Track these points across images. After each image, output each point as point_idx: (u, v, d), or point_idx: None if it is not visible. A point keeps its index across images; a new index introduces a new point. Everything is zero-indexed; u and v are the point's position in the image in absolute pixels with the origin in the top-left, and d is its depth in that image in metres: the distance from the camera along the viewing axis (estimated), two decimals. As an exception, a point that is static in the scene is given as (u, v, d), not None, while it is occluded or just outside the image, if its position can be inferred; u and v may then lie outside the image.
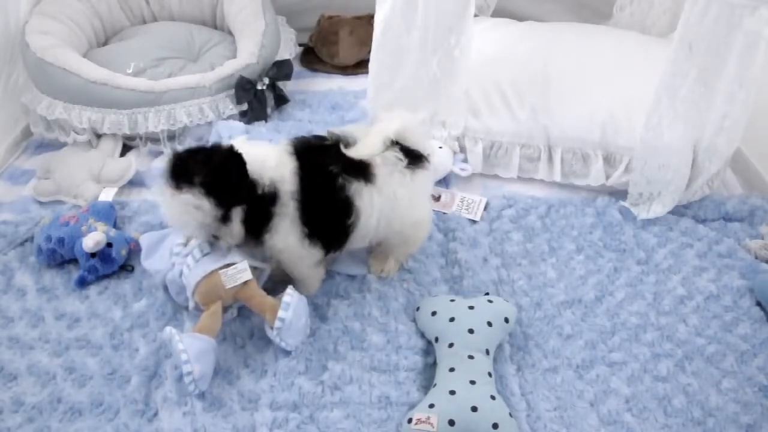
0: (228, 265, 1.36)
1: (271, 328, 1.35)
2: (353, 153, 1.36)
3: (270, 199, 1.30)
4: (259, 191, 1.29)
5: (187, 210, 1.26)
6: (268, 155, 1.33)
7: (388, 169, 1.38)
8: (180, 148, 1.90)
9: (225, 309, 1.40)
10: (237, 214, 1.29)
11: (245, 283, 1.36)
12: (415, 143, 1.41)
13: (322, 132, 1.96)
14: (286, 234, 1.34)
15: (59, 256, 1.59)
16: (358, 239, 1.42)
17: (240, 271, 1.36)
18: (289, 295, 1.35)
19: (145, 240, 1.58)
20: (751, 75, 1.53)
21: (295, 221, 1.33)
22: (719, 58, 1.53)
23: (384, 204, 1.38)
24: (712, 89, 1.58)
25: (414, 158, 1.41)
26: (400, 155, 1.39)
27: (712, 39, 1.50)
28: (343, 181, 1.34)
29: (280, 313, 1.33)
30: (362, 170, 1.36)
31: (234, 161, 1.27)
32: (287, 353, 1.37)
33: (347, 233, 1.39)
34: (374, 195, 1.37)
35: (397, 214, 1.41)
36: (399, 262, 1.56)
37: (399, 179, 1.39)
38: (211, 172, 1.25)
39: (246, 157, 1.28)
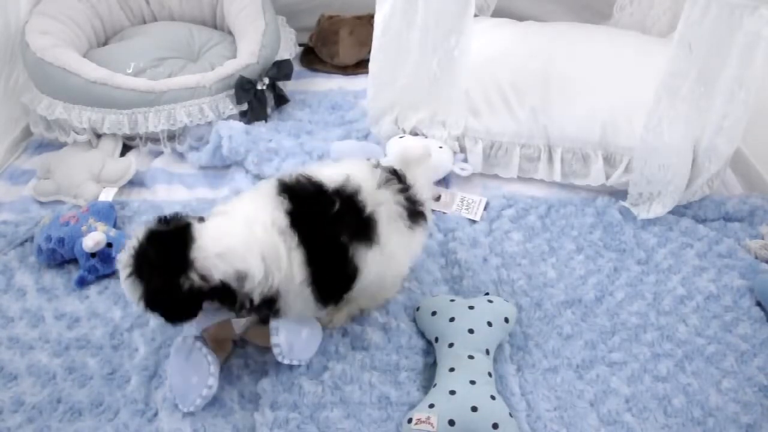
0: None
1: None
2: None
3: (267, 302, 1.21)
4: (258, 299, 1.19)
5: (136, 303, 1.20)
6: (269, 247, 1.20)
7: (392, 227, 1.31)
8: (179, 147, 1.92)
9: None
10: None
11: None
12: (418, 183, 1.36)
13: (322, 132, 1.99)
14: (297, 313, 1.29)
15: (59, 256, 1.60)
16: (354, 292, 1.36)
17: (248, 323, 1.36)
18: (277, 321, 1.32)
19: None
20: (751, 75, 1.53)
21: (307, 294, 1.26)
22: (719, 58, 1.53)
23: (381, 263, 1.31)
24: (712, 89, 1.58)
25: (415, 214, 1.35)
26: (403, 208, 1.32)
27: (712, 39, 1.50)
28: (351, 247, 1.26)
29: (273, 340, 1.31)
30: (367, 230, 1.27)
31: (191, 302, 1.16)
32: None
33: (350, 289, 1.32)
34: (377, 256, 1.29)
35: (387, 272, 1.36)
36: (350, 314, 1.44)
37: (398, 239, 1.32)
38: (161, 304, 1.16)
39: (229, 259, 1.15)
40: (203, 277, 1.13)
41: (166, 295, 1.14)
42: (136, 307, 1.17)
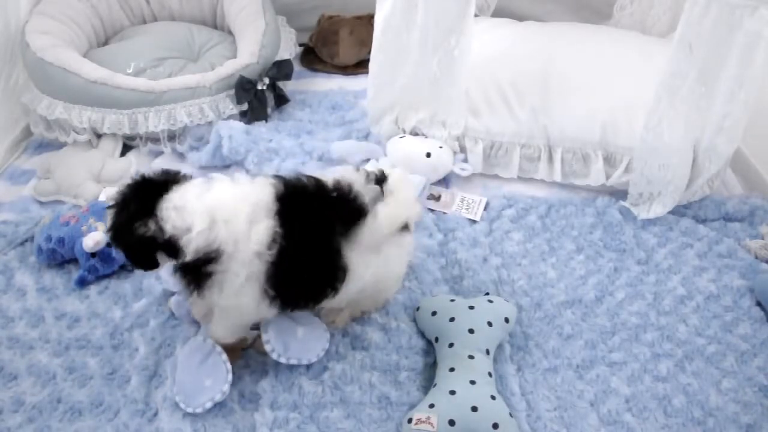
0: None
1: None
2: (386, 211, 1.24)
3: (204, 260, 1.16)
4: (190, 257, 1.15)
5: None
6: (229, 205, 1.18)
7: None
8: (180, 147, 1.92)
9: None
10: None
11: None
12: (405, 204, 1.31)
13: (322, 132, 1.99)
14: (237, 293, 1.20)
15: (59, 255, 1.59)
16: (336, 301, 1.30)
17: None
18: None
19: None
20: (751, 75, 1.53)
21: (256, 282, 1.20)
22: (719, 58, 1.53)
23: (379, 267, 1.29)
24: (713, 89, 1.58)
25: None
26: None
27: (713, 39, 1.50)
28: (339, 238, 1.21)
29: (263, 336, 1.31)
30: (360, 224, 1.23)
31: (140, 245, 1.17)
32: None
33: (326, 296, 1.26)
34: (372, 257, 1.26)
35: (387, 276, 1.34)
36: (351, 316, 1.43)
37: (392, 237, 1.29)
38: (121, 244, 1.19)
39: (190, 204, 1.15)
40: (159, 228, 1.14)
41: (124, 235, 1.18)
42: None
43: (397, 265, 1.37)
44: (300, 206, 1.21)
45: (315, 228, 1.21)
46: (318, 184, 1.25)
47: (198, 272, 1.18)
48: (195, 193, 1.18)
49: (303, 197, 1.23)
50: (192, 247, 1.14)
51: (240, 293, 1.20)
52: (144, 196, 1.18)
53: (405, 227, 1.32)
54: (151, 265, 1.21)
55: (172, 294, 1.49)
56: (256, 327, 1.36)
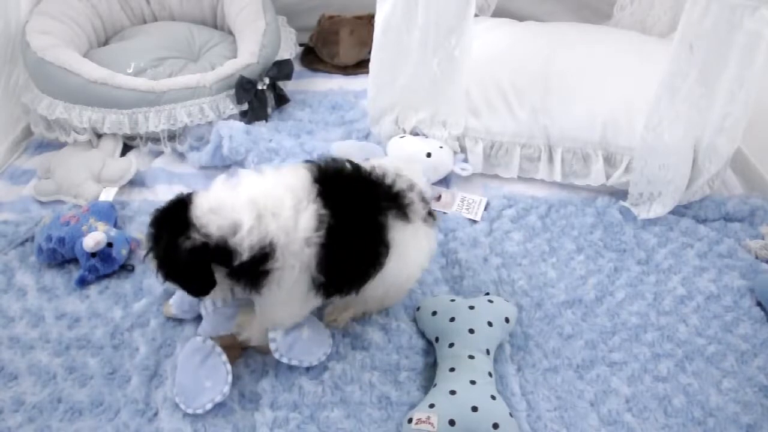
0: None
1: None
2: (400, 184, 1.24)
3: (261, 258, 1.14)
4: (246, 256, 1.13)
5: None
6: (270, 196, 1.16)
7: (418, 210, 1.27)
8: (180, 147, 1.92)
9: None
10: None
11: None
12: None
13: (322, 132, 1.99)
14: (292, 286, 1.20)
15: (60, 255, 1.59)
16: (373, 286, 1.29)
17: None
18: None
19: None
20: (751, 75, 1.53)
21: (306, 271, 1.18)
22: (720, 58, 1.53)
23: (412, 250, 1.27)
24: (713, 89, 1.58)
25: (431, 212, 1.33)
26: (424, 203, 1.29)
27: (713, 39, 1.50)
28: (384, 215, 1.21)
29: (270, 334, 1.31)
30: (402, 206, 1.24)
31: (196, 261, 1.14)
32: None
33: (370, 277, 1.25)
34: (410, 238, 1.25)
35: (414, 266, 1.32)
36: (355, 317, 1.42)
37: (423, 227, 1.29)
38: (173, 270, 1.17)
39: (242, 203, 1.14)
40: (205, 235, 1.12)
41: (172, 257, 1.13)
42: (161, 284, 1.19)
43: (425, 255, 1.34)
44: (341, 186, 1.21)
45: (359, 206, 1.20)
46: (354, 166, 1.26)
47: (255, 271, 1.15)
48: (227, 192, 1.17)
49: (341, 178, 1.22)
50: (246, 244, 1.12)
51: (295, 285, 1.19)
52: (171, 218, 1.15)
53: (428, 220, 1.31)
54: (209, 282, 1.17)
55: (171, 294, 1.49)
56: None
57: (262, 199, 1.15)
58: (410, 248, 1.27)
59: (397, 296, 1.44)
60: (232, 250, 1.12)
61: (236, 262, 1.13)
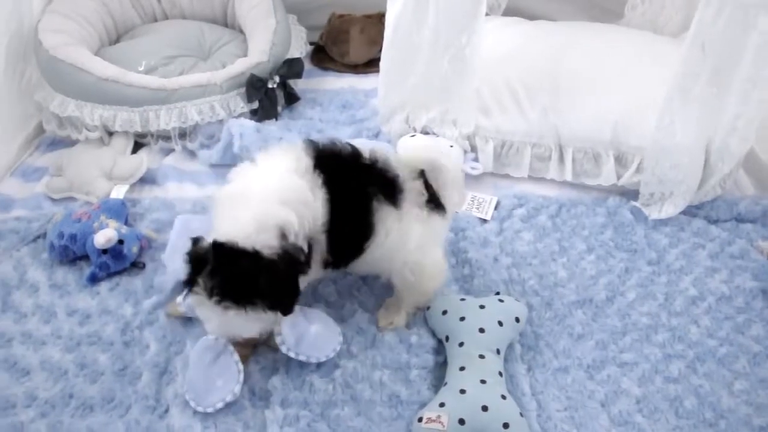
0: None
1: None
2: (392, 171, 1.27)
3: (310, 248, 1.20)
4: (303, 242, 1.18)
5: (247, 322, 1.18)
6: (289, 187, 1.19)
7: (412, 197, 1.30)
8: (190, 145, 1.92)
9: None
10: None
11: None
12: (441, 188, 1.34)
13: (332, 130, 1.99)
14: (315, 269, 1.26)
15: (71, 252, 1.60)
16: (360, 264, 1.33)
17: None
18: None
19: (176, 232, 1.56)
20: (765, 75, 1.52)
21: (322, 253, 1.24)
22: (733, 59, 1.52)
23: (397, 234, 1.29)
24: (725, 89, 1.57)
25: (435, 199, 1.33)
26: (424, 189, 1.31)
27: (726, 39, 1.49)
28: (376, 202, 1.25)
29: (275, 329, 1.31)
30: (392, 191, 1.27)
31: (287, 269, 1.16)
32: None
33: (361, 253, 1.30)
34: (395, 222, 1.28)
35: (402, 250, 1.32)
36: (408, 315, 1.44)
37: (417, 213, 1.30)
38: (271, 290, 1.15)
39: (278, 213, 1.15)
40: (259, 252, 1.12)
41: (263, 274, 1.13)
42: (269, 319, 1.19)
43: (419, 247, 1.33)
44: (339, 170, 1.25)
45: (354, 189, 1.25)
46: (353, 149, 1.29)
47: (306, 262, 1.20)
48: (243, 196, 1.19)
49: (340, 161, 1.26)
50: (301, 237, 1.16)
51: (316, 268, 1.26)
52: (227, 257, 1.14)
53: (433, 204, 1.32)
54: (297, 291, 1.19)
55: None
56: None
57: (285, 192, 1.18)
58: (395, 233, 1.29)
59: (422, 286, 1.41)
60: (298, 251, 1.16)
61: (303, 257, 1.17)
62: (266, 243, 1.13)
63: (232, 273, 1.13)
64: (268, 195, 1.18)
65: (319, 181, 1.21)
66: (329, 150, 1.27)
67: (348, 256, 1.31)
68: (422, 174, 1.33)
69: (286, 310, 1.20)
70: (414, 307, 1.45)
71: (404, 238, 1.30)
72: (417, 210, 1.30)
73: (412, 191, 1.30)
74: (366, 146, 1.31)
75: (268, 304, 1.15)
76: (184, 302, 1.45)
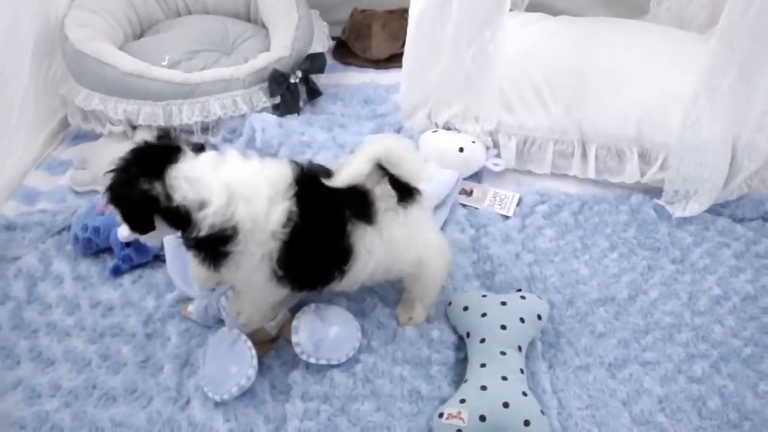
0: None
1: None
2: (338, 181, 1.21)
3: (221, 238, 1.16)
4: (203, 232, 1.15)
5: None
6: (248, 182, 1.19)
7: (385, 204, 1.25)
8: (213, 139, 1.94)
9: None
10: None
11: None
12: (406, 170, 1.24)
13: (354, 125, 1.99)
14: (253, 272, 1.22)
15: (95, 245, 1.62)
16: (348, 284, 1.31)
17: (280, 321, 1.39)
18: (297, 318, 1.35)
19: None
20: (794, 71, 1.50)
21: (268, 261, 1.21)
22: (761, 54, 1.50)
23: (382, 249, 1.27)
24: (753, 86, 1.55)
25: (405, 192, 1.26)
26: (391, 190, 1.26)
27: (754, 35, 1.47)
28: (347, 222, 1.22)
29: (293, 338, 1.32)
30: (364, 208, 1.24)
31: (139, 205, 1.16)
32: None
33: (333, 278, 1.27)
34: (376, 239, 1.25)
35: (395, 258, 1.30)
36: (426, 308, 1.43)
37: (393, 218, 1.26)
38: (115, 200, 1.18)
39: (206, 182, 1.16)
40: (166, 195, 1.14)
41: (124, 190, 1.16)
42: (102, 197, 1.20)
43: (406, 249, 1.31)
44: (313, 190, 1.22)
45: (326, 210, 1.22)
46: (330, 173, 1.26)
47: (215, 250, 1.19)
48: (209, 167, 1.18)
49: (315, 182, 1.23)
50: (207, 222, 1.14)
51: (255, 272, 1.22)
52: (149, 162, 1.17)
53: (405, 199, 1.27)
54: (146, 226, 1.19)
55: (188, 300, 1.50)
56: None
57: (240, 183, 1.18)
58: (380, 248, 1.26)
59: (428, 277, 1.39)
60: (191, 222, 1.15)
61: (193, 234, 1.16)
62: (176, 193, 1.14)
63: (125, 179, 1.17)
64: (224, 174, 1.18)
65: (290, 192, 1.20)
66: (309, 172, 1.25)
67: (320, 276, 1.28)
68: (383, 170, 1.24)
69: (131, 228, 1.22)
70: (429, 300, 1.43)
71: (391, 247, 1.28)
72: (393, 215, 1.26)
73: (382, 198, 1.26)
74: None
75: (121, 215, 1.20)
76: (195, 311, 1.45)
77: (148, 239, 1.27)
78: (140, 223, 1.20)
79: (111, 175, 1.18)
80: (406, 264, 1.34)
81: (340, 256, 1.25)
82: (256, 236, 1.18)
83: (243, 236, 1.17)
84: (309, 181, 1.23)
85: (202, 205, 1.14)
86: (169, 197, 1.14)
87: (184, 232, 1.19)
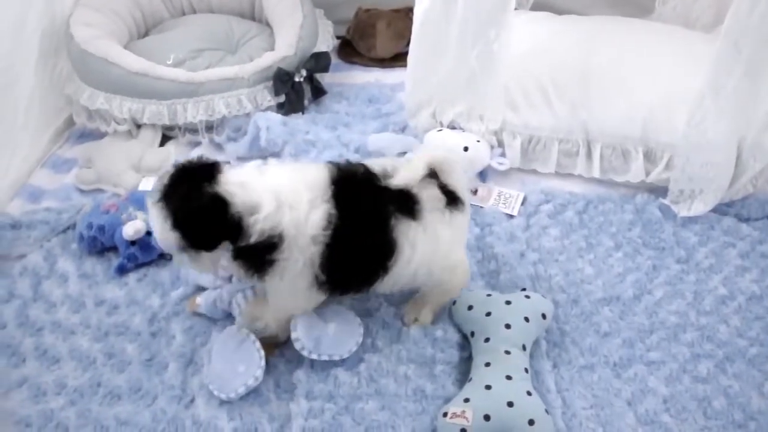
0: None
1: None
2: (397, 181, 1.23)
3: (268, 246, 1.16)
4: (253, 239, 1.15)
5: (161, 230, 1.17)
6: (291, 188, 1.19)
7: (431, 205, 1.26)
8: (218, 137, 1.94)
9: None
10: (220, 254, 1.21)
11: None
12: (455, 179, 1.29)
13: (359, 124, 1.99)
14: (295, 279, 1.22)
15: (100, 243, 1.62)
16: (390, 283, 1.30)
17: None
18: (295, 316, 1.34)
19: None
20: (800, 71, 1.49)
21: (310, 267, 1.21)
22: (767, 55, 1.49)
23: (426, 245, 1.26)
24: (759, 85, 1.54)
25: (452, 198, 1.29)
26: (440, 193, 1.27)
27: (760, 34, 1.46)
28: (390, 217, 1.22)
29: (292, 335, 1.32)
30: (408, 205, 1.24)
31: (212, 209, 1.14)
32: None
33: (377, 277, 1.27)
34: (419, 234, 1.25)
35: (437, 257, 1.30)
36: (434, 312, 1.43)
37: (440, 218, 1.27)
38: (183, 212, 1.15)
39: (253, 194, 1.16)
40: (224, 203, 1.13)
41: (190, 200, 1.14)
42: (163, 230, 1.16)
43: (450, 249, 1.33)
44: (352, 189, 1.22)
45: (367, 207, 1.22)
46: (366, 169, 1.27)
47: (261, 258, 1.18)
48: (255, 174, 1.19)
49: (354, 181, 1.24)
50: (258, 228, 1.14)
51: (298, 279, 1.22)
52: (198, 173, 1.17)
53: (452, 204, 1.29)
54: (212, 242, 1.16)
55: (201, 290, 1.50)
56: None
57: (284, 190, 1.18)
58: (422, 244, 1.26)
59: (453, 285, 1.40)
60: (243, 228, 1.14)
61: (242, 242, 1.15)
62: (234, 198, 1.14)
63: (185, 191, 1.15)
64: (269, 181, 1.19)
65: (328, 194, 1.20)
66: (346, 171, 1.26)
67: (363, 276, 1.28)
68: (434, 175, 1.28)
69: (193, 243, 1.17)
70: (439, 306, 1.44)
71: (434, 245, 1.28)
72: (438, 215, 1.28)
73: (430, 199, 1.27)
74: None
75: (188, 228, 1.16)
76: (204, 303, 1.46)
77: (202, 267, 1.24)
78: (209, 234, 1.16)
79: (164, 201, 1.15)
80: (447, 268, 1.34)
81: (383, 252, 1.24)
82: (299, 242, 1.17)
83: (288, 243, 1.16)
84: (346, 181, 1.23)
85: (253, 210, 1.14)
86: (228, 203, 1.13)
87: (235, 242, 1.17)
